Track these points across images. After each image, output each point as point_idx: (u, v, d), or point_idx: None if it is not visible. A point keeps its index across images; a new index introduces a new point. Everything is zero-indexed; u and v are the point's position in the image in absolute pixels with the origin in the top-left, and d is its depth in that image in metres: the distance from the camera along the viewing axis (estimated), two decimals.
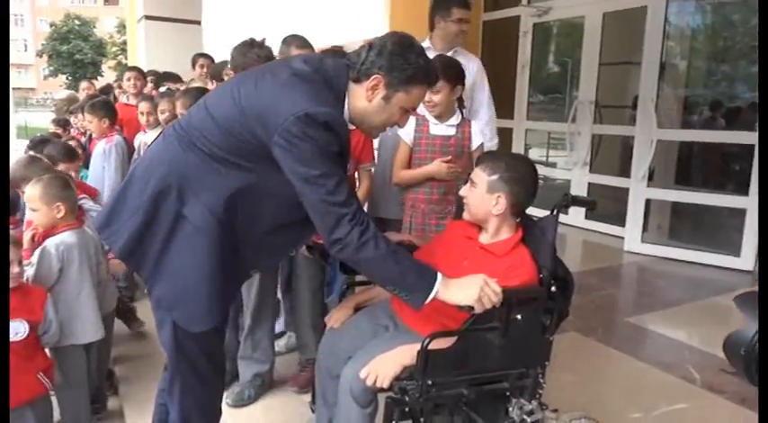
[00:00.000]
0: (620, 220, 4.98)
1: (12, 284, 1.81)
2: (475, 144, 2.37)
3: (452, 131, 2.35)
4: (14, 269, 1.81)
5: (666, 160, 4.94)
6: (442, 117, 2.34)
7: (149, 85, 4.37)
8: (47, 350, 2.05)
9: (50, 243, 2.03)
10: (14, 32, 43.77)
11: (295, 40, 2.49)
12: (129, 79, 4.16)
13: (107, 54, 32.46)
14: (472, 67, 2.84)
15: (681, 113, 5.00)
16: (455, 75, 2.34)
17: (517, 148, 6.24)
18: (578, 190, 5.58)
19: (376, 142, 2.57)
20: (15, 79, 43.91)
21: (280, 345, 2.77)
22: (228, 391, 2.35)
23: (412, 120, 2.38)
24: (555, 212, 1.63)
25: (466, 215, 1.70)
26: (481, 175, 1.65)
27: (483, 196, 1.64)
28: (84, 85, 5.85)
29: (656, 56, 4.54)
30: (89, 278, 2.10)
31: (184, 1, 5.66)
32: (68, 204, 2.07)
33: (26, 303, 1.87)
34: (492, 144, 2.80)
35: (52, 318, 1.96)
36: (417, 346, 1.44)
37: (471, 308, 1.41)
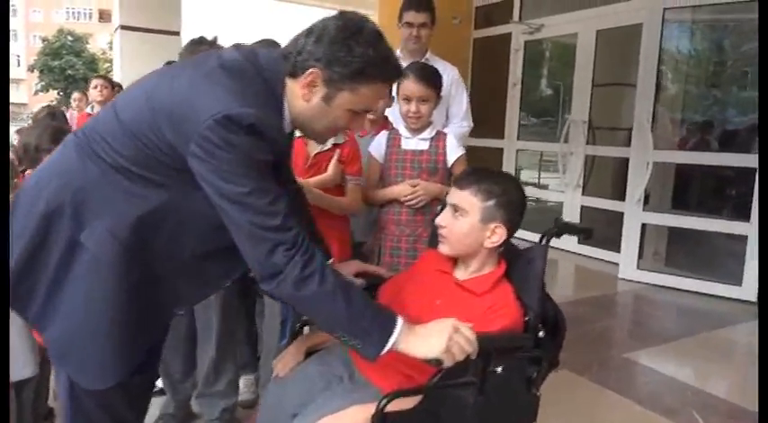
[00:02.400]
0: (614, 245, 4.74)
1: None
2: (451, 159, 2.09)
3: (425, 145, 2.09)
4: None
5: (663, 183, 4.72)
6: (418, 130, 2.09)
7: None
8: None
9: None
10: None
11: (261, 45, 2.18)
12: (95, 87, 3.94)
13: (98, 70, 32.28)
14: (448, 75, 2.62)
15: (677, 135, 4.80)
16: (440, 83, 2.11)
17: (508, 169, 6.02)
18: (571, 213, 5.36)
19: None
20: None
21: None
22: None
23: (384, 134, 2.15)
24: (544, 242, 1.36)
25: (445, 248, 1.42)
26: (471, 201, 1.37)
27: (475, 226, 1.37)
28: (75, 95, 5.59)
29: (651, 75, 4.35)
30: None
31: (163, 11, 5.43)
32: None
33: None
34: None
35: None
36: (373, 407, 1.16)
37: (439, 361, 1.13)
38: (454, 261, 1.45)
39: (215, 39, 2.00)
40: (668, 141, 4.66)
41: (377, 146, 2.13)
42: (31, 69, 34.92)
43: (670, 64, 4.68)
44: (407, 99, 2.03)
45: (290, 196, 1.37)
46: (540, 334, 1.33)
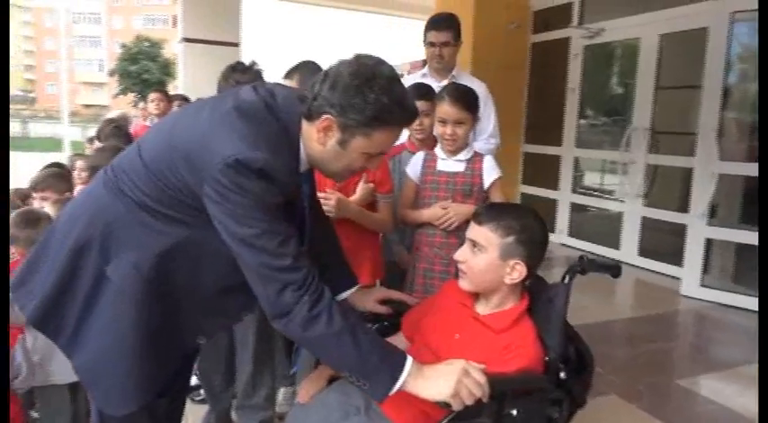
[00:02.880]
0: (677, 258, 4.51)
1: None
2: (488, 181, 2.06)
3: (461, 167, 2.07)
4: None
5: (730, 196, 4.44)
6: (454, 152, 2.07)
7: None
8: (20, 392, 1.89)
9: None
10: (91, 53, 47.31)
11: (297, 72, 2.08)
12: (152, 101, 4.10)
13: (172, 73, 33.77)
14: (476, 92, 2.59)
15: (747, 142, 4.50)
16: (476, 105, 2.08)
17: (566, 176, 5.85)
18: (631, 224, 5.15)
19: None
20: (90, 97, 47.11)
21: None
22: None
23: (420, 155, 2.14)
24: (567, 280, 1.32)
25: (464, 283, 1.40)
26: (490, 237, 1.35)
27: (494, 263, 1.35)
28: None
29: (717, 81, 4.11)
30: None
31: (223, 23, 5.63)
32: (20, 245, 1.90)
33: None
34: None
35: (21, 361, 1.80)
36: None
37: (448, 404, 1.12)
38: (476, 294, 1.43)
39: (252, 64, 2.04)
40: (737, 151, 4.37)
41: (413, 167, 2.12)
42: (110, 74, 36.91)
43: (741, 67, 4.39)
44: (443, 121, 2.02)
45: (318, 230, 1.40)
46: (562, 375, 1.28)
